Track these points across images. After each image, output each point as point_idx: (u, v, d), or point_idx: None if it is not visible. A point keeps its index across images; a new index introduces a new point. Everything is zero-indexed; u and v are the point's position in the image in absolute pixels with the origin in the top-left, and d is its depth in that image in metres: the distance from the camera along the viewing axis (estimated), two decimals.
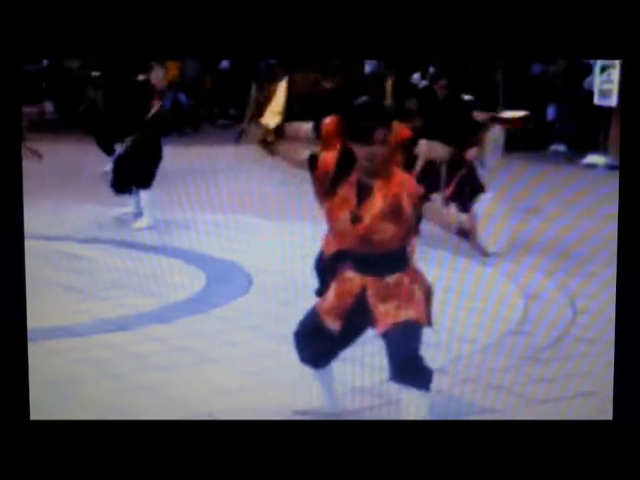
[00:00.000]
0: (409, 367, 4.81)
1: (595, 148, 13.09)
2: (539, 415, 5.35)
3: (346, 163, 4.74)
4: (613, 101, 12.91)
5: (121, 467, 4.98)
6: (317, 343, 5.11)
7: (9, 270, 4.93)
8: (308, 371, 5.24)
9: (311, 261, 7.29)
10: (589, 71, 13.43)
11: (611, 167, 12.66)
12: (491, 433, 5.03)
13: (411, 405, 4.83)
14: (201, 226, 8.65)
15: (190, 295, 7.22)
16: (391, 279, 4.86)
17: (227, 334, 6.46)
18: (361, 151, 4.69)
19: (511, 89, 12.40)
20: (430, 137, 7.39)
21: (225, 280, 7.54)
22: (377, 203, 4.75)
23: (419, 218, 4.77)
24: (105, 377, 5.63)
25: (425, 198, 4.73)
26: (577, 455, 4.95)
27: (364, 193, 4.78)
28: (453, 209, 6.68)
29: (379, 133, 4.63)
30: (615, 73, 12.77)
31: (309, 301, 6.80)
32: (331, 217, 4.85)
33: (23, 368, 4.97)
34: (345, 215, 4.79)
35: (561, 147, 13.20)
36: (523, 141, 8.86)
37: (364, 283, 4.89)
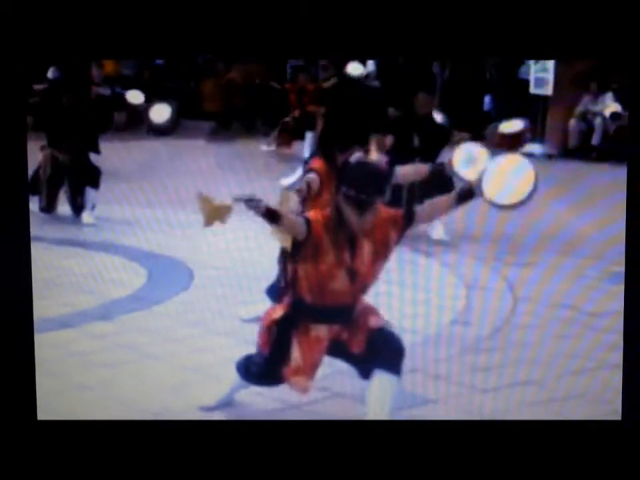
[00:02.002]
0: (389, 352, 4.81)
1: (531, 137, 13.21)
2: (481, 405, 5.39)
3: (340, 223, 4.67)
4: (548, 90, 13.05)
5: (126, 467, 4.98)
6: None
7: (19, 274, 4.90)
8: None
9: (250, 256, 7.36)
10: (523, 60, 13.55)
11: (548, 156, 12.80)
12: (500, 434, 5.06)
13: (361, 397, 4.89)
14: (141, 222, 8.59)
15: (131, 291, 7.16)
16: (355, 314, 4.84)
17: (169, 330, 6.42)
18: (352, 214, 4.63)
19: (449, 79, 12.47)
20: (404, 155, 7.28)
21: (166, 276, 7.50)
22: (365, 249, 4.69)
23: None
24: (46, 376, 5.57)
25: (409, 220, 4.73)
26: (584, 454, 4.98)
27: (353, 246, 4.69)
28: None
29: (373, 205, 4.61)
30: (550, 62, 12.90)
31: (249, 294, 6.86)
32: (326, 277, 4.71)
33: (29, 369, 4.98)
34: (342, 274, 4.70)
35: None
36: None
37: (332, 332, 4.82)
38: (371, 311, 4.87)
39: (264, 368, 4.91)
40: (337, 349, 4.84)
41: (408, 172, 5.80)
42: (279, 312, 4.84)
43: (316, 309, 4.74)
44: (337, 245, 4.65)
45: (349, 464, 5.00)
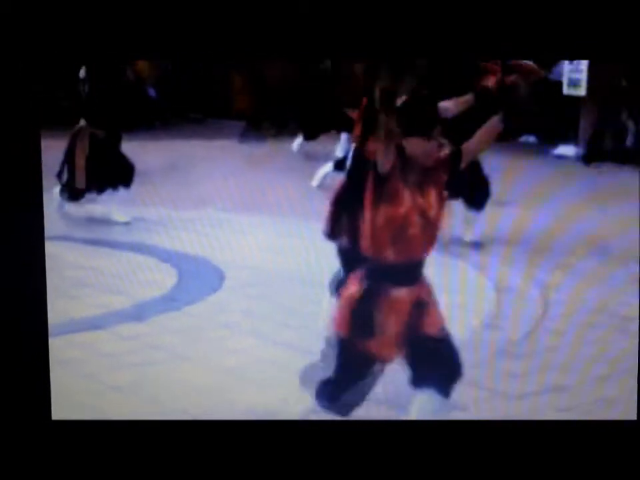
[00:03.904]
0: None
1: (565, 138, 13.15)
2: (510, 410, 5.38)
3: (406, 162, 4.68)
4: (582, 91, 12.98)
5: (140, 467, 5.01)
6: (358, 388, 4.88)
7: (30, 270, 4.93)
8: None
9: (280, 255, 7.37)
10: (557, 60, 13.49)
11: (581, 158, 12.74)
12: (515, 433, 5.06)
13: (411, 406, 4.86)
14: (172, 222, 8.62)
15: (162, 292, 7.18)
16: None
17: (201, 331, 6.45)
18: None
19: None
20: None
21: (197, 276, 7.51)
22: (430, 191, 4.66)
23: None
24: (77, 377, 5.61)
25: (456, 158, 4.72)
26: (599, 454, 4.97)
27: (421, 188, 4.66)
28: None
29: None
30: (584, 62, 12.83)
31: (280, 294, 6.86)
32: (404, 221, 4.61)
33: (44, 369, 5.00)
34: (417, 218, 4.62)
35: (531, 138, 13.25)
36: None
37: (413, 294, 4.74)
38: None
39: (344, 353, 4.77)
40: (415, 322, 4.74)
41: (451, 105, 5.73)
42: (354, 287, 4.73)
43: (395, 266, 4.64)
44: (408, 185, 4.60)
45: (349, 464, 5.01)
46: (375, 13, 4.77)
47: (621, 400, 5.42)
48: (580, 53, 4.95)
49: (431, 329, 4.78)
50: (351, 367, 4.78)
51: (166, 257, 7.90)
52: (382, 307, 4.65)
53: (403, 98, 4.75)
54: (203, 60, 5.20)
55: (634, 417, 4.95)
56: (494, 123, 4.71)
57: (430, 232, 4.63)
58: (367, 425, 5.00)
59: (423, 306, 4.73)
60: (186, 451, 5.03)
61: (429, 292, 4.77)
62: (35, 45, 4.77)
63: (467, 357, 5.68)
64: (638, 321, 6.35)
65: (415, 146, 4.58)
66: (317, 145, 11.56)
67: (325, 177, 11.05)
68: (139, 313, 6.71)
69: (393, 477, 5.00)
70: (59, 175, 8.81)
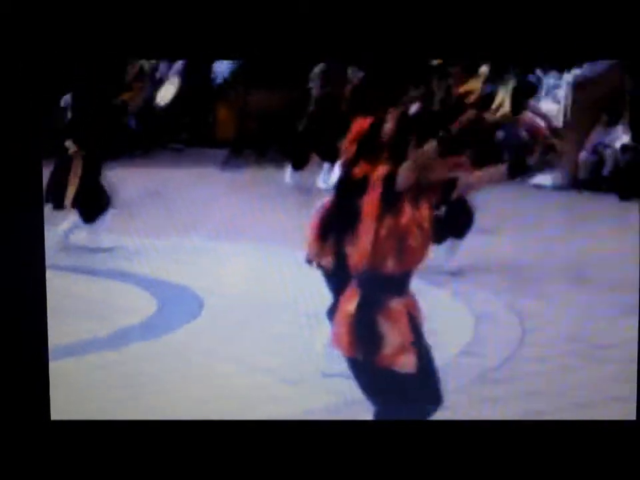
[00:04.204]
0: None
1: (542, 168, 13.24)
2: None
3: None
4: (559, 122, 13.09)
5: (139, 467, 5.00)
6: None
7: (34, 278, 4.93)
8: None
9: (259, 282, 7.38)
10: (534, 91, 13.60)
11: (558, 187, 12.82)
12: (515, 434, 5.11)
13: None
14: (152, 250, 8.62)
15: (142, 319, 7.20)
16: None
17: (180, 358, 6.45)
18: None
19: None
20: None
21: (176, 304, 7.53)
22: (423, 206, 4.69)
23: None
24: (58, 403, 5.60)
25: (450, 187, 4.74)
26: (599, 455, 5.01)
27: (417, 201, 4.69)
28: None
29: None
30: (561, 94, 12.95)
31: (261, 321, 6.88)
32: (406, 232, 4.64)
33: (43, 369, 5.04)
34: (415, 230, 4.66)
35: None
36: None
37: (406, 304, 4.76)
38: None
39: (360, 372, 4.73)
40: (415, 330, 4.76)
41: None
42: (351, 303, 4.73)
43: (390, 277, 4.67)
44: (409, 198, 4.63)
45: (349, 464, 5.00)
46: (375, 15, 4.80)
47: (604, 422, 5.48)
48: (580, 56, 4.97)
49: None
50: (376, 384, 4.74)
51: (146, 284, 7.91)
52: (384, 316, 4.65)
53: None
54: (204, 60, 5.20)
55: (633, 417, 4.95)
56: (500, 173, 4.74)
57: (425, 243, 4.69)
58: (366, 425, 4.99)
59: (414, 320, 4.78)
60: (185, 451, 5.03)
61: (416, 306, 4.83)
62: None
63: (445, 383, 5.74)
64: (622, 349, 6.43)
65: (437, 165, 4.64)
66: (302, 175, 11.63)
67: (292, 175, 11.10)
68: (118, 341, 6.71)
69: (391, 477, 4.99)
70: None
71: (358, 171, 5.46)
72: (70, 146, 8.74)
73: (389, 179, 4.58)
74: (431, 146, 4.62)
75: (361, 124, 5.86)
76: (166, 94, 9.68)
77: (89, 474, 5.00)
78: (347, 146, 5.93)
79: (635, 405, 5.28)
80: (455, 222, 7.78)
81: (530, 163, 4.78)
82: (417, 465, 5.04)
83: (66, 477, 5.02)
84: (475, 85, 8.52)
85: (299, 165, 9.96)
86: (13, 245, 4.99)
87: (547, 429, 5.05)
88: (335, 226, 5.89)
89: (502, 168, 4.73)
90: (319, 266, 6.06)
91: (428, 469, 5.03)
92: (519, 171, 4.70)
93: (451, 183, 4.75)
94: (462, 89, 8.92)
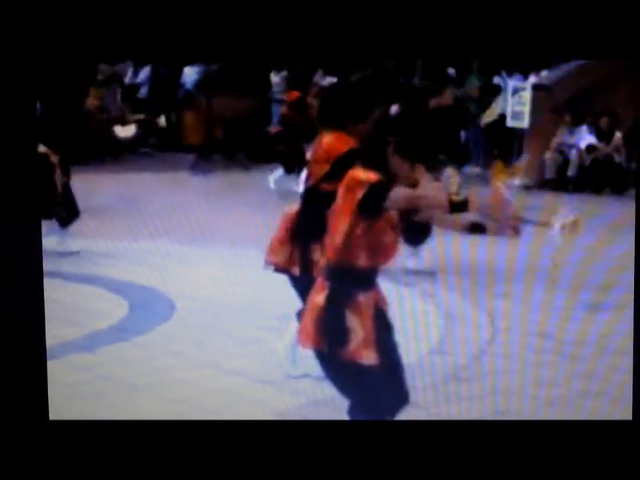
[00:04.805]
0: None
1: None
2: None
3: None
4: (524, 123, 13.19)
5: (137, 467, 4.98)
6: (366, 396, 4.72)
7: (30, 278, 4.95)
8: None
9: (230, 286, 7.38)
10: (499, 92, 13.69)
11: (525, 187, 12.91)
12: (511, 433, 5.07)
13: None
14: (122, 254, 8.62)
15: (113, 322, 7.17)
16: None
17: (151, 361, 6.44)
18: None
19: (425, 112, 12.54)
20: None
21: (147, 307, 7.52)
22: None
23: None
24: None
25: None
26: (595, 454, 4.97)
27: None
28: None
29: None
30: (526, 95, 13.04)
31: (231, 324, 6.89)
32: (382, 230, 4.63)
33: (41, 370, 5.01)
34: (389, 228, 4.65)
35: (476, 169, 13.42)
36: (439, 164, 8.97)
37: (374, 298, 4.74)
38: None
39: (330, 367, 4.71)
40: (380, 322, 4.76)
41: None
42: (320, 295, 4.70)
43: (359, 271, 4.66)
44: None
45: (348, 464, 4.99)
46: (373, 16, 4.79)
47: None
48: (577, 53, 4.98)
49: None
50: (343, 378, 4.72)
51: (116, 288, 7.91)
52: (352, 309, 4.64)
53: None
54: (204, 59, 5.14)
55: (629, 417, 4.97)
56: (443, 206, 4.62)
57: (397, 240, 4.71)
58: (365, 425, 4.99)
59: (381, 312, 4.77)
60: (183, 451, 4.99)
61: (384, 299, 4.82)
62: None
63: (416, 382, 5.78)
64: (589, 346, 6.48)
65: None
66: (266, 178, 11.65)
67: (279, 179, 11.09)
68: (90, 344, 6.69)
69: (390, 476, 4.98)
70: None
71: (328, 186, 5.46)
72: (43, 150, 8.70)
73: (373, 192, 4.55)
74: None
75: (335, 146, 5.88)
76: (127, 133, 9.72)
77: (88, 474, 4.97)
78: (319, 165, 5.93)
79: (607, 401, 5.32)
80: (412, 233, 7.81)
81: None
82: (399, 465, 5.04)
83: (65, 477, 5.00)
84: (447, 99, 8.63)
85: (293, 169, 9.91)
86: (10, 249, 4.98)
87: (543, 428, 5.05)
88: (303, 234, 5.90)
89: (444, 200, 4.60)
90: (286, 273, 6.06)
91: (424, 468, 5.03)
92: (458, 211, 4.67)
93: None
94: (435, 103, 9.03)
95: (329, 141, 5.92)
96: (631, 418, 4.98)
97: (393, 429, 5.03)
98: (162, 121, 10.01)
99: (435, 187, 4.66)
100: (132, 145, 11.65)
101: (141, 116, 11.57)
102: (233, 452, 5.06)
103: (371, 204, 4.53)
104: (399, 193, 4.53)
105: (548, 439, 5.01)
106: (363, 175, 4.58)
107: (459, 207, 4.53)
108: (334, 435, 5.07)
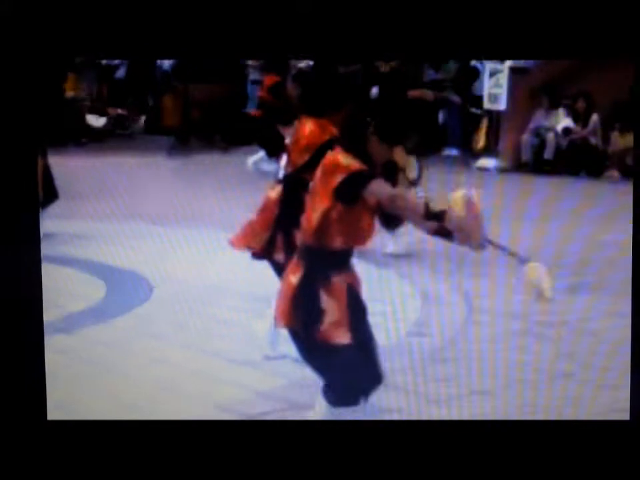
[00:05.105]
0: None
1: (486, 151, 13.39)
2: (434, 414, 5.45)
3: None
4: (501, 105, 13.25)
5: (137, 467, 4.97)
6: (340, 374, 4.69)
7: (27, 276, 4.95)
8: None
9: (209, 267, 7.38)
10: (477, 75, 13.74)
11: (502, 170, 12.98)
12: (506, 434, 5.03)
13: (317, 408, 4.80)
14: (100, 235, 8.61)
15: (91, 304, 7.18)
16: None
17: (129, 343, 6.44)
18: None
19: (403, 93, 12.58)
20: None
21: (125, 289, 7.52)
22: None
23: None
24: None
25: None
26: (593, 454, 4.95)
27: None
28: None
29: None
30: (504, 77, 13.09)
31: (209, 305, 6.90)
32: (358, 216, 4.60)
33: (40, 369, 4.97)
34: (367, 214, 4.61)
35: (453, 151, 13.48)
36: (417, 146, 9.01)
37: (348, 279, 4.70)
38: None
39: (303, 347, 4.71)
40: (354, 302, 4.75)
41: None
42: (294, 275, 4.70)
43: (334, 253, 4.64)
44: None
45: (346, 464, 4.99)
46: (371, 14, 4.78)
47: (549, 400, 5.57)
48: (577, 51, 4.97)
49: None
50: (317, 358, 4.71)
51: (94, 270, 7.91)
52: (325, 290, 4.62)
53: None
54: (207, 57, 5.12)
55: (627, 417, 4.95)
56: (416, 210, 4.56)
57: (372, 224, 4.68)
58: (363, 425, 4.96)
59: (355, 292, 4.75)
60: (182, 451, 4.96)
61: (358, 280, 4.80)
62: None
63: (393, 363, 5.81)
64: (565, 327, 6.52)
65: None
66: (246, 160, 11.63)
67: (258, 162, 11.06)
68: (67, 326, 6.68)
69: (388, 476, 4.99)
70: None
71: (308, 176, 5.45)
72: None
73: (352, 180, 4.53)
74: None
75: (316, 134, 5.89)
76: (98, 123, 9.76)
77: (86, 474, 4.96)
78: (299, 153, 5.95)
79: (585, 378, 5.34)
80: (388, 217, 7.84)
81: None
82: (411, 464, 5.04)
83: (64, 477, 4.99)
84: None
85: (273, 153, 9.86)
86: (7, 242, 4.96)
87: (538, 428, 5.06)
88: (286, 221, 5.89)
89: (422, 207, 4.56)
90: (270, 260, 6.07)
91: (424, 468, 5.03)
92: (434, 220, 4.64)
93: None
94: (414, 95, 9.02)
95: (310, 129, 5.93)
96: (628, 418, 4.96)
97: (384, 429, 5.05)
98: (141, 121, 10.01)
99: (414, 193, 4.65)
100: (107, 132, 11.66)
101: (118, 111, 11.57)
102: (234, 452, 5.01)
103: (348, 192, 4.52)
104: (379, 188, 4.51)
105: (543, 438, 5.01)
106: (343, 159, 4.57)
107: (435, 216, 4.48)
108: (323, 436, 5.06)
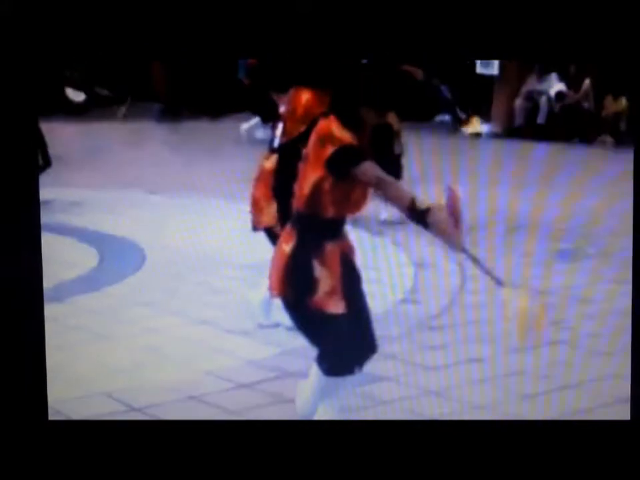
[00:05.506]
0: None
1: (478, 116, 13.40)
2: (431, 381, 5.47)
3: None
4: (494, 70, 13.25)
5: (138, 468, 4.95)
6: (330, 343, 4.70)
7: (29, 273, 4.91)
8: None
9: (201, 235, 7.39)
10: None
11: (494, 135, 13.00)
12: (507, 433, 4.99)
13: (311, 377, 4.79)
14: (91, 203, 8.61)
15: (83, 273, 7.20)
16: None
17: (122, 311, 6.46)
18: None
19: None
20: None
21: (118, 257, 7.54)
22: None
23: None
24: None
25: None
26: (592, 454, 4.92)
27: None
28: None
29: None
30: None
31: (201, 273, 6.91)
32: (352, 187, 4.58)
33: (40, 369, 4.92)
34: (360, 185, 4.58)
35: (446, 117, 13.48)
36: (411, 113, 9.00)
37: (341, 247, 4.68)
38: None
39: (297, 315, 4.70)
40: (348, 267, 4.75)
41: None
42: (288, 244, 4.67)
43: (328, 222, 4.61)
44: None
45: (345, 464, 4.97)
46: (369, 14, 4.78)
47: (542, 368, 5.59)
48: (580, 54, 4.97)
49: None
50: (311, 327, 4.70)
51: (87, 238, 7.91)
52: (319, 258, 4.60)
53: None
54: (206, 59, 5.09)
55: (627, 417, 4.90)
56: (402, 200, 4.49)
57: (365, 194, 4.64)
58: (362, 425, 4.99)
59: (349, 260, 4.74)
60: (182, 451, 4.96)
61: (352, 248, 4.78)
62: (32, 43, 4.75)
63: (387, 331, 5.83)
64: (559, 294, 6.53)
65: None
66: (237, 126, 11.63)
67: (251, 128, 11.03)
68: (59, 294, 6.68)
69: (386, 476, 5.00)
70: None
71: (304, 146, 5.41)
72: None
73: (342, 154, 4.48)
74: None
75: (313, 104, 5.86)
76: (77, 98, 9.73)
77: (86, 475, 4.98)
78: (295, 123, 5.92)
79: (574, 347, 5.35)
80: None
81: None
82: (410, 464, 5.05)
83: (64, 477, 5.00)
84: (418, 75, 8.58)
85: (268, 119, 9.81)
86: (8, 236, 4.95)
87: (535, 428, 5.06)
88: (284, 191, 5.86)
89: (407, 200, 4.45)
90: (270, 233, 6.04)
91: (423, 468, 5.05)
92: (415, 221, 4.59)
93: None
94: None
95: (307, 100, 5.92)
96: (629, 418, 4.91)
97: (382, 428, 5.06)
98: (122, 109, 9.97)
99: (405, 188, 4.57)
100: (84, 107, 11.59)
101: (105, 92, 11.52)
102: (234, 452, 4.97)
103: (338, 166, 4.48)
104: (369, 169, 4.45)
105: (542, 438, 5.00)
106: (336, 130, 4.53)
107: (417, 214, 4.39)
108: (322, 435, 5.07)
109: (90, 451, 4.95)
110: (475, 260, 4.61)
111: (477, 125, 9.31)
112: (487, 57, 6.36)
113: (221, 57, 5.05)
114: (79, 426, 5.05)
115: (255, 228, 6.24)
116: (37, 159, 4.98)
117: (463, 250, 4.52)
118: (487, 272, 4.64)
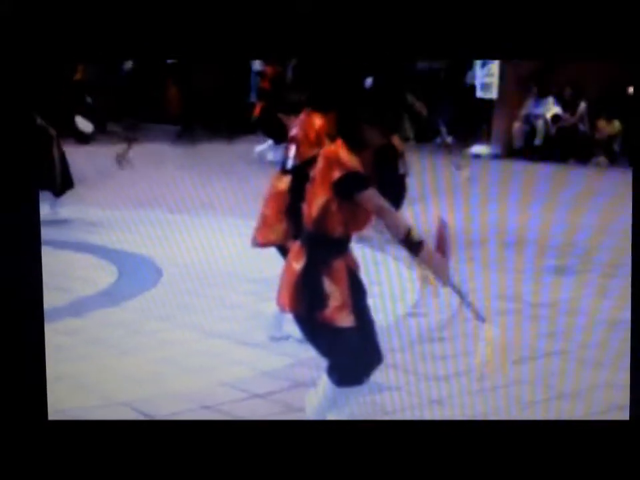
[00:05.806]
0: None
1: (479, 139, 13.53)
2: (434, 391, 5.59)
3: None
4: (493, 94, 13.41)
5: (138, 468, 4.96)
6: (343, 355, 4.79)
7: (29, 273, 4.92)
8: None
9: (215, 252, 7.44)
10: (470, 65, 13.90)
11: (494, 156, 13.14)
12: (505, 433, 5.01)
13: (321, 388, 4.90)
14: (111, 222, 8.71)
15: (102, 288, 7.30)
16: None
17: (139, 325, 6.56)
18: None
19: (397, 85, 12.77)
20: None
21: (136, 273, 7.64)
22: None
23: None
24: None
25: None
26: (592, 454, 4.92)
27: None
28: None
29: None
30: (495, 67, 13.27)
31: (216, 289, 7.04)
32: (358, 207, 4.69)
33: (40, 369, 4.91)
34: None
35: (446, 138, 13.61)
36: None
37: (347, 263, 4.81)
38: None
39: (307, 329, 4.82)
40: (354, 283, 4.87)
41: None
42: (298, 262, 4.79)
43: (336, 240, 4.74)
44: None
45: (344, 464, 4.97)
46: (369, 15, 4.82)
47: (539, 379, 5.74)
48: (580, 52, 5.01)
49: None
50: (321, 340, 4.81)
51: (106, 255, 8.04)
52: (327, 274, 4.73)
53: None
54: (206, 59, 5.13)
55: (626, 417, 4.93)
56: (397, 222, 4.67)
57: (370, 214, 4.75)
58: (363, 426, 5.05)
59: (355, 277, 4.88)
60: (182, 451, 4.98)
61: (355, 261, 4.91)
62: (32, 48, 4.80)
63: (392, 343, 5.97)
64: (552, 308, 6.69)
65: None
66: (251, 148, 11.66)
67: (265, 151, 11.06)
68: (78, 309, 6.82)
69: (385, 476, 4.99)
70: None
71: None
72: (41, 123, 8.79)
73: (348, 180, 4.63)
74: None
75: (325, 129, 5.98)
76: (86, 128, 9.92)
77: (87, 475, 4.92)
78: (308, 146, 6.06)
79: (572, 359, 5.54)
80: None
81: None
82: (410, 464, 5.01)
83: (64, 477, 4.96)
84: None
85: (279, 140, 9.79)
86: (7, 236, 5.01)
87: (537, 428, 5.06)
88: (297, 211, 5.97)
89: (403, 230, 4.64)
90: (281, 248, 6.13)
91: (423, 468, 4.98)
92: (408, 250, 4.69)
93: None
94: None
95: (321, 124, 6.06)
96: (628, 418, 4.93)
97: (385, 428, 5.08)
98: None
99: (403, 217, 4.69)
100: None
101: (118, 129, 11.62)
102: (234, 452, 4.99)
103: (344, 190, 4.62)
104: (371, 197, 4.61)
105: (542, 438, 4.98)
106: (343, 155, 4.66)
107: (411, 245, 4.59)
108: (324, 435, 5.05)
109: (90, 451, 4.95)
110: (460, 294, 4.77)
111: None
112: (487, 56, 6.38)
113: (220, 57, 5.11)
114: (79, 426, 5.06)
115: (256, 244, 6.33)
116: (34, 161, 4.98)
117: (449, 283, 4.72)
118: (470, 307, 4.81)
